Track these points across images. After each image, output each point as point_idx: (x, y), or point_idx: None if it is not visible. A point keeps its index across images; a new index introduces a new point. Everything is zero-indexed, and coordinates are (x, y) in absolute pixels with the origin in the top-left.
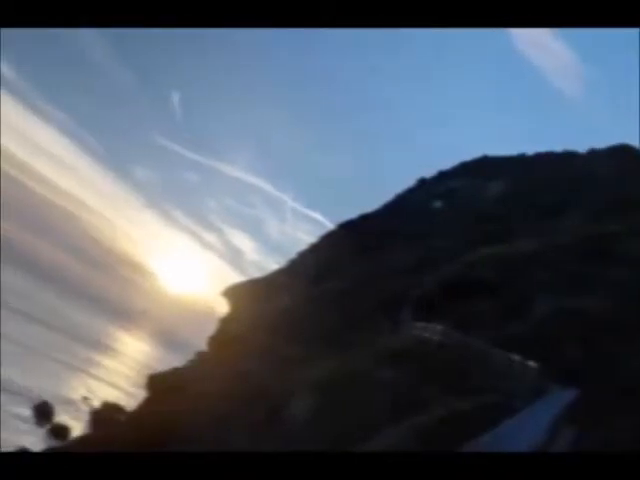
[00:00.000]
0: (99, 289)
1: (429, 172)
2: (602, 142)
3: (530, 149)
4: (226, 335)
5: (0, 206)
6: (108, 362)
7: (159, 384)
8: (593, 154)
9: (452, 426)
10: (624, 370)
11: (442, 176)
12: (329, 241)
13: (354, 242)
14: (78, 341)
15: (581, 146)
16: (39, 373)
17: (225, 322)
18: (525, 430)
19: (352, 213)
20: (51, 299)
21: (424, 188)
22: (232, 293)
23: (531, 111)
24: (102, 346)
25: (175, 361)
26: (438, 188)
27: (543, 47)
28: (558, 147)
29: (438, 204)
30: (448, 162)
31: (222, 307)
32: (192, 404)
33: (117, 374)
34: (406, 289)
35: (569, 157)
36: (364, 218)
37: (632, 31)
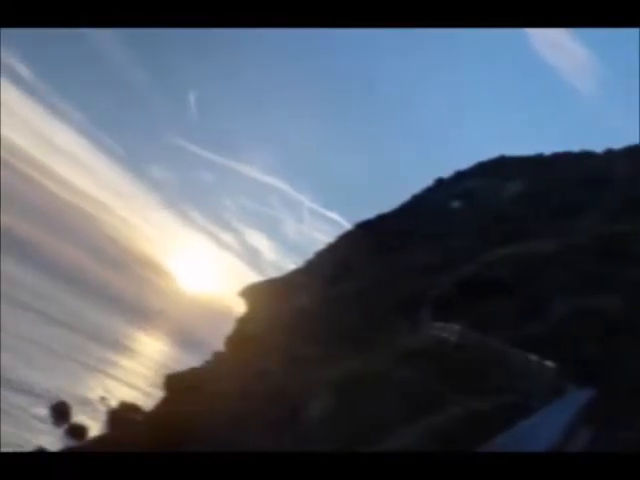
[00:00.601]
0: (117, 289)
1: (446, 172)
2: (619, 142)
3: (547, 149)
4: (243, 335)
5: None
6: (126, 362)
7: (176, 384)
8: (610, 154)
9: (469, 426)
10: (638, 370)
11: (460, 176)
12: (346, 241)
13: (371, 242)
14: (95, 341)
15: (598, 146)
16: (57, 373)
17: (242, 322)
18: (542, 430)
19: (369, 213)
20: (69, 299)
21: (442, 188)
22: (249, 293)
23: (548, 111)
24: (120, 346)
25: (192, 361)
26: (456, 188)
27: (559, 47)
28: (575, 147)
29: (456, 204)
30: (465, 162)
31: (239, 307)
32: (209, 404)
33: (135, 374)
34: (424, 289)
35: (586, 157)
36: (381, 218)
37: None
